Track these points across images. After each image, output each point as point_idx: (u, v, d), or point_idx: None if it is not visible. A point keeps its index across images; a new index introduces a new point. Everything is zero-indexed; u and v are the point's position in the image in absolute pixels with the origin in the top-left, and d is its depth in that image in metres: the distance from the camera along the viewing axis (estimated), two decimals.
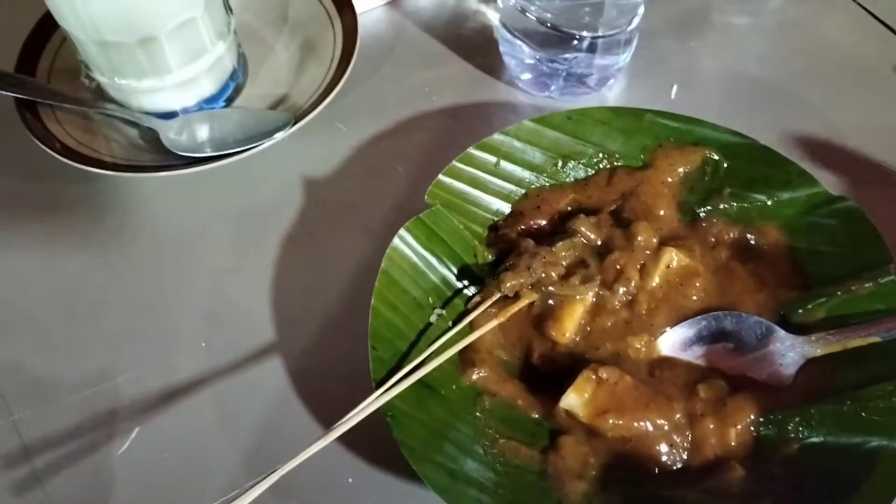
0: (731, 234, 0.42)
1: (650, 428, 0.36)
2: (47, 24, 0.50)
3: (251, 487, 0.31)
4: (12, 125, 0.46)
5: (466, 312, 0.40)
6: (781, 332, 0.38)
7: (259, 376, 0.41)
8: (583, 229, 0.42)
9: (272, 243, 0.46)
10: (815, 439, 0.35)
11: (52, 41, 0.51)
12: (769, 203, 0.42)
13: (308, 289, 0.44)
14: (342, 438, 0.34)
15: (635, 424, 0.36)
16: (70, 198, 0.48)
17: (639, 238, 0.41)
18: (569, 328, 0.39)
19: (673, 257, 0.40)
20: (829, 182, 0.41)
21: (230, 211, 0.47)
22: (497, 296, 0.40)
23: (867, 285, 0.38)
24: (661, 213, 0.43)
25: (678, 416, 0.37)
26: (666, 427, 0.36)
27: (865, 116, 0.51)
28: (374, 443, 0.36)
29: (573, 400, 0.36)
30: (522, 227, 0.43)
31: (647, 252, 0.41)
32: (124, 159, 0.47)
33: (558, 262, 0.40)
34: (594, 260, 0.41)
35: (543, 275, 0.40)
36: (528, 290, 0.40)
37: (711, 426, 0.37)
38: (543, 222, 0.44)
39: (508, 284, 0.39)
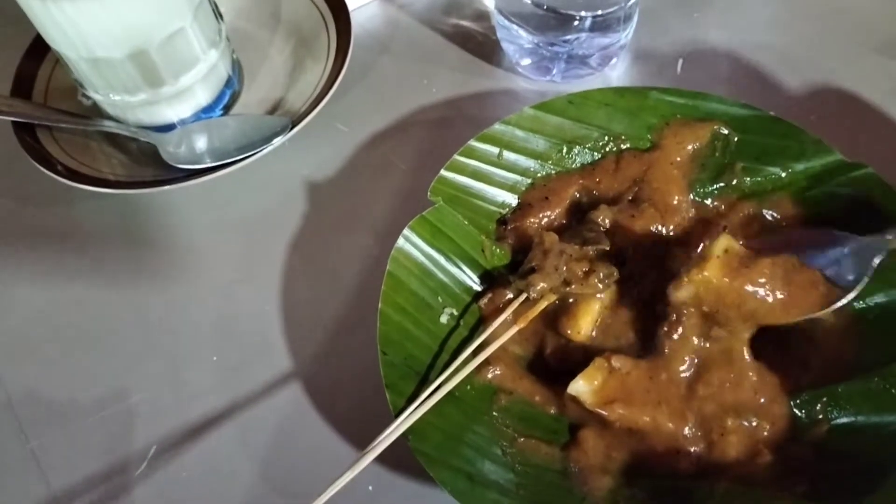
0: (747, 212, 0.41)
1: (658, 427, 0.35)
2: (40, 46, 0.50)
3: None
4: (12, 150, 0.46)
5: (482, 320, 0.40)
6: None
7: (272, 387, 0.40)
8: (608, 221, 0.41)
9: (278, 250, 0.45)
10: (844, 419, 0.34)
11: (46, 63, 0.50)
12: (783, 175, 0.41)
13: (317, 295, 0.43)
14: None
15: (644, 419, 0.35)
16: (74, 218, 0.48)
17: None
18: (584, 326, 0.38)
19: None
20: (845, 150, 0.40)
21: (235, 220, 0.47)
22: (522, 298, 0.38)
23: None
24: (675, 200, 0.41)
25: (686, 430, 0.35)
26: (671, 426, 0.35)
27: (882, 80, 0.49)
28: (392, 449, 0.35)
29: (581, 386, 0.35)
30: (532, 219, 0.42)
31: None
32: (126, 176, 0.46)
33: (584, 259, 0.39)
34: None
35: (567, 273, 0.38)
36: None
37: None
38: (553, 214, 0.42)
39: (539, 287, 0.38)
